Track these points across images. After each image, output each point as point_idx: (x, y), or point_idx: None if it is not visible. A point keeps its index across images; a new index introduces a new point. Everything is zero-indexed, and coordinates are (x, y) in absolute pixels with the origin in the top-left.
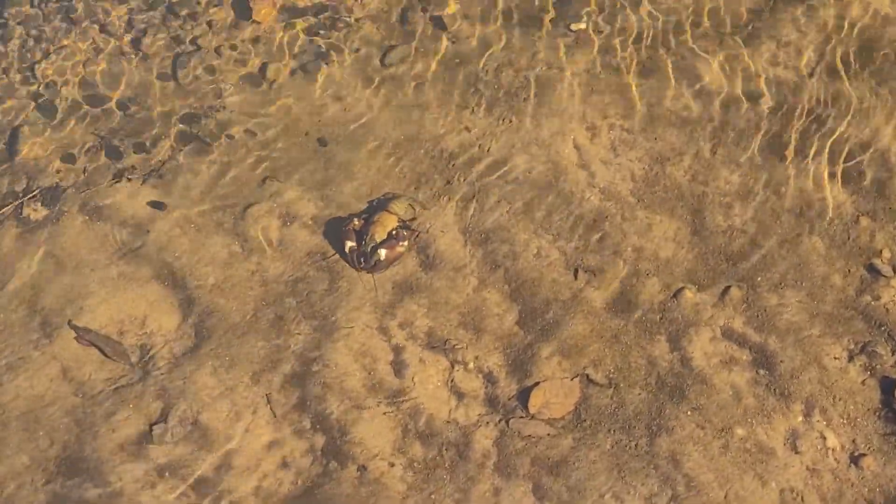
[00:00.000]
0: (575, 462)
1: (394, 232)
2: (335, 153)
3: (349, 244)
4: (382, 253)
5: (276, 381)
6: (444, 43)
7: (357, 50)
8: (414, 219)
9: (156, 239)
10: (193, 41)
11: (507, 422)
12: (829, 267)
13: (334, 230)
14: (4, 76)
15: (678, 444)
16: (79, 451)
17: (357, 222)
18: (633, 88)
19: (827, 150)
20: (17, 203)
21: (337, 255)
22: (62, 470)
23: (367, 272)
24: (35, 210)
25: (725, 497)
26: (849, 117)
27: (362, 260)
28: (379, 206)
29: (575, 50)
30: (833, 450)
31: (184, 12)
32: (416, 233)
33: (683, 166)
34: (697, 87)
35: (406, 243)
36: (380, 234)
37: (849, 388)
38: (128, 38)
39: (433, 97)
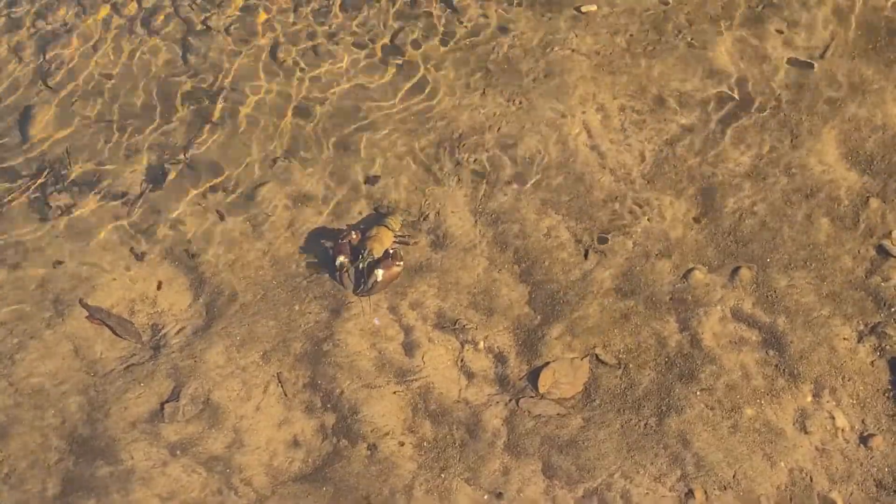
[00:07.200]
0: (584, 441)
1: (391, 251)
2: (345, 133)
3: (341, 258)
4: (380, 273)
5: (287, 360)
6: (455, 24)
7: (369, 30)
8: (410, 235)
9: (167, 219)
10: (204, 21)
11: (516, 401)
12: (838, 248)
13: (323, 242)
14: (16, 56)
15: (687, 424)
16: (91, 429)
17: (354, 235)
18: (644, 69)
19: (837, 130)
20: (29, 185)
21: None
22: (74, 448)
23: (363, 295)
24: (55, 197)
25: (734, 476)
26: (860, 98)
27: (360, 282)
28: (374, 220)
29: (585, 31)
30: (842, 430)
31: None
32: (407, 246)
33: (694, 147)
34: (708, 67)
35: (402, 263)
36: (377, 250)
37: (858, 368)
38: (138, 16)
39: (443, 79)
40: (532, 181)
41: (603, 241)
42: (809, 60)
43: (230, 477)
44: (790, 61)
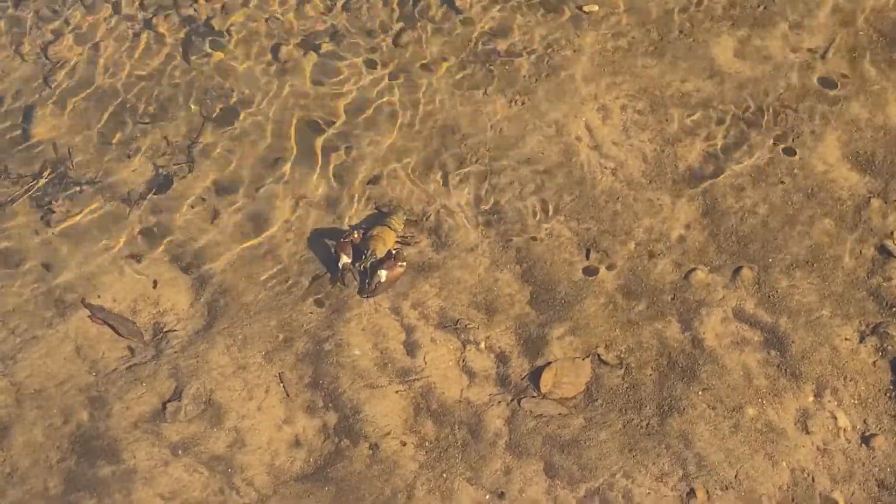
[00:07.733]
0: (586, 441)
1: (393, 251)
2: (348, 133)
3: (344, 259)
4: (384, 274)
5: (289, 359)
6: (456, 24)
7: (369, 31)
8: (412, 235)
9: (169, 218)
10: (206, 21)
11: (518, 401)
12: (840, 248)
13: (326, 241)
14: (18, 56)
15: (689, 424)
16: (93, 428)
17: (357, 235)
18: (646, 69)
19: (839, 131)
20: (31, 185)
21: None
22: (76, 447)
23: (366, 296)
24: (58, 204)
25: (736, 476)
26: (861, 98)
27: (365, 283)
28: (376, 220)
29: (587, 31)
30: (844, 430)
31: None
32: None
33: (695, 148)
34: (709, 68)
35: (405, 263)
36: (380, 250)
37: (860, 368)
38: (140, 17)
39: (445, 79)
40: (534, 181)
41: (604, 240)
42: (834, 80)
43: (232, 476)
44: (819, 81)
